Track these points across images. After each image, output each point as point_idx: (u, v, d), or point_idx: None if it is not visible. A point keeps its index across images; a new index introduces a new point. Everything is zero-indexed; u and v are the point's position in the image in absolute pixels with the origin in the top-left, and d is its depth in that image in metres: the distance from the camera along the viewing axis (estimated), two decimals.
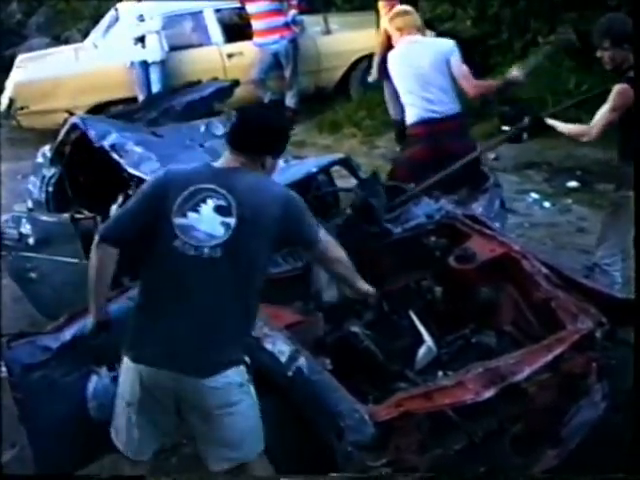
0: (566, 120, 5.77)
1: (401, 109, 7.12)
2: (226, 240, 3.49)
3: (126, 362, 3.64)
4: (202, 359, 3.52)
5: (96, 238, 3.68)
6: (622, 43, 5.32)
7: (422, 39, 6.90)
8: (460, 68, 6.58)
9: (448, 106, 6.54)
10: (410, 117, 6.64)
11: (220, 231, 3.49)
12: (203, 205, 3.51)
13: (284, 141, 3.82)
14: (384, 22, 7.90)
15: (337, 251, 3.88)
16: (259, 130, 3.68)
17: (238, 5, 11.45)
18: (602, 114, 5.34)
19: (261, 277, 3.65)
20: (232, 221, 3.49)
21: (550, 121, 5.71)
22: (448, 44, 6.76)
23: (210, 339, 3.52)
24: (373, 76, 9.30)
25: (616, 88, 5.30)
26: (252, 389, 3.66)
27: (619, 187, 5.59)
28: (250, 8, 11.06)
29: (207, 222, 3.50)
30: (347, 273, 3.99)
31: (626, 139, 5.39)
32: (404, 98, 6.70)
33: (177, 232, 3.50)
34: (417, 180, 5.88)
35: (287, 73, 11.10)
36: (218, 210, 3.51)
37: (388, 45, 7.35)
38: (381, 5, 9.12)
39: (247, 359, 3.64)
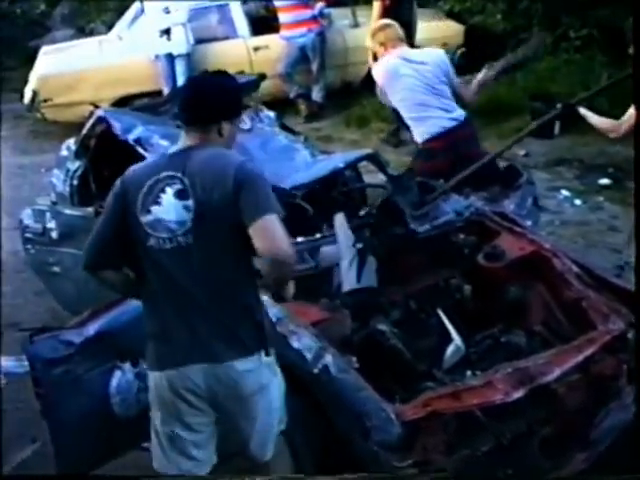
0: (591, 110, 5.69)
1: None
2: (193, 222, 3.37)
3: (153, 377, 3.58)
4: (225, 343, 3.45)
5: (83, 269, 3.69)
6: None
7: (411, 51, 6.84)
8: (455, 77, 6.60)
9: (459, 112, 6.43)
10: (427, 130, 6.40)
11: (185, 215, 3.38)
12: (163, 195, 3.40)
13: (236, 101, 3.68)
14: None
15: (271, 248, 3.29)
16: (206, 94, 3.53)
17: None
18: (631, 112, 5.27)
19: (245, 252, 3.41)
20: (190, 203, 3.38)
21: (582, 110, 5.63)
22: (442, 54, 6.70)
23: (222, 322, 3.46)
24: None
25: None
26: (278, 368, 3.62)
27: None
28: (277, 1, 11.03)
29: (171, 210, 3.39)
30: (277, 279, 3.51)
31: None
32: (413, 112, 6.46)
33: (148, 230, 3.41)
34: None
35: (314, 67, 11.06)
36: (178, 195, 3.39)
37: None
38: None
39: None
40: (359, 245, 4.68)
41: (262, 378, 3.53)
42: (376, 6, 9.22)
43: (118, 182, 3.59)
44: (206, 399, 3.52)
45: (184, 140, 3.55)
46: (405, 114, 6.56)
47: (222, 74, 3.70)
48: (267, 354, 3.52)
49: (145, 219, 3.42)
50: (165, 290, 3.48)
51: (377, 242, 4.93)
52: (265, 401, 3.57)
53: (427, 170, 6.17)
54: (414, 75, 6.42)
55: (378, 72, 6.68)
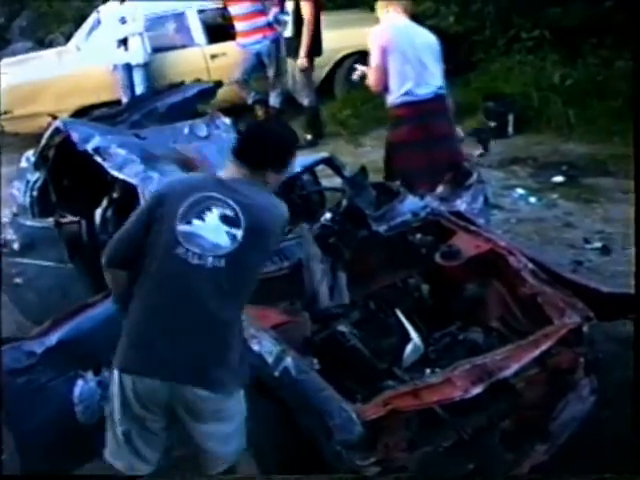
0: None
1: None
2: (231, 251, 3.45)
3: (117, 374, 3.55)
4: (202, 370, 3.47)
5: (103, 262, 3.66)
6: None
7: (413, 23, 6.90)
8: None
9: (435, 87, 6.60)
10: (397, 97, 6.59)
11: (226, 241, 3.45)
12: (208, 213, 3.47)
13: (287, 156, 3.76)
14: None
15: None
16: (263, 144, 3.66)
17: (221, 6, 11.44)
18: None
19: (250, 292, 3.65)
20: (239, 233, 3.46)
21: None
22: (435, 38, 6.85)
23: (211, 350, 3.49)
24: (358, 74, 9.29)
25: None
26: (242, 395, 3.64)
27: None
28: (233, 9, 11.03)
29: (212, 231, 3.46)
30: None
31: None
32: (395, 77, 6.55)
33: (180, 239, 3.45)
34: (412, 161, 6.35)
35: (270, 73, 11.08)
36: (224, 219, 3.47)
37: None
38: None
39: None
40: (328, 261, 4.72)
41: (225, 402, 3.56)
42: None
43: (164, 186, 3.74)
44: (166, 409, 3.54)
45: (231, 171, 3.66)
46: (391, 76, 6.57)
47: (283, 126, 3.89)
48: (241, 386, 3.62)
49: (182, 228, 3.46)
50: (166, 298, 3.48)
51: (343, 247, 4.97)
52: (223, 427, 3.61)
53: (398, 139, 6.63)
54: (415, 43, 6.59)
55: (387, 30, 6.69)
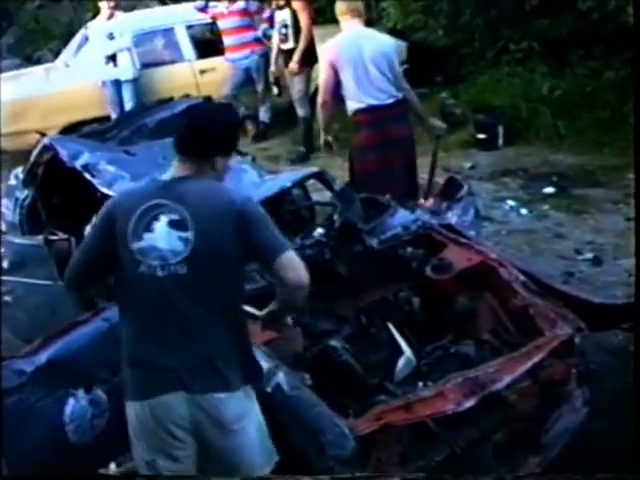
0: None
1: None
2: (188, 255, 3.38)
3: (134, 408, 3.50)
4: (208, 376, 3.44)
5: (64, 283, 3.69)
6: None
7: (366, 30, 7.05)
8: (398, 67, 6.95)
9: (391, 94, 6.72)
10: (355, 104, 6.73)
11: (180, 246, 3.38)
12: (156, 223, 3.39)
13: (234, 138, 3.68)
14: None
15: (300, 277, 3.44)
16: (206, 127, 3.52)
17: (210, 21, 11.46)
18: None
19: (238, 288, 3.59)
20: (189, 235, 3.38)
21: None
22: (390, 41, 7.12)
23: (208, 353, 3.44)
24: None
25: None
26: (254, 395, 3.63)
27: None
28: (221, 24, 11.07)
29: (164, 239, 3.39)
30: (296, 305, 3.66)
31: None
32: (351, 86, 6.68)
33: (139, 257, 3.39)
34: (369, 165, 6.67)
35: (259, 88, 11.13)
36: (173, 225, 3.39)
37: None
38: None
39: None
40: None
41: (240, 406, 3.52)
42: None
43: (105, 206, 3.57)
44: (190, 430, 3.47)
45: (177, 169, 3.53)
46: (346, 87, 6.71)
47: (224, 106, 3.71)
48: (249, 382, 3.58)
49: (136, 245, 3.40)
50: (151, 317, 3.44)
51: (338, 261, 4.97)
52: (249, 429, 3.55)
53: (358, 144, 6.86)
54: (367, 51, 6.67)
55: (336, 44, 6.83)
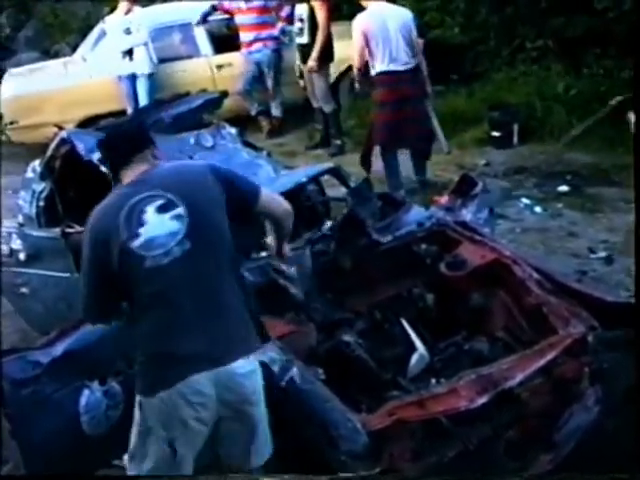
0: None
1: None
2: (186, 228, 3.45)
3: (150, 402, 3.52)
4: (226, 344, 3.51)
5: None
6: None
7: (390, 5, 8.45)
8: (418, 39, 8.43)
9: (411, 62, 8.25)
10: (381, 66, 8.16)
11: (176, 225, 3.45)
12: (144, 215, 3.45)
13: (143, 131, 3.95)
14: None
15: (282, 204, 3.93)
16: (121, 138, 3.80)
17: (227, 16, 11.47)
18: None
19: (231, 248, 3.65)
20: (181, 210, 3.46)
21: (631, 115, 5.59)
22: (410, 14, 8.53)
23: (223, 322, 3.52)
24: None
25: None
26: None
27: None
28: (239, 19, 11.06)
29: (159, 225, 3.45)
30: (286, 230, 4.07)
31: None
32: (379, 51, 8.11)
33: (142, 253, 3.43)
34: (388, 117, 8.20)
35: (269, 83, 11.09)
36: (161, 209, 3.46)
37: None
38: None
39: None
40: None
41: (257, 383, 3.62)
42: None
43: (88, 230, 3.60)
44: (215, 410, 3.52)
45: (129, 176, 3.62)
46: (374, 53, 8.16)
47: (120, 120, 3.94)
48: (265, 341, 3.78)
49: (136, 243, 3.43)
50: (166, 307, 3.48)
51: (342, 254, 4.99)
52: (262, 406, 3.64)
53: (377, 100, 8.38)
54: (391, 24, 8.15)
55: (366, 18, 8.24)
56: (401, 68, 8.19)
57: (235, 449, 3.68)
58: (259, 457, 3.71)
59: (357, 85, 8.79)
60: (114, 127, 3.90)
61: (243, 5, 11.01)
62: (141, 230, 3.44)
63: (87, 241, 3.57)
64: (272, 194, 3.95)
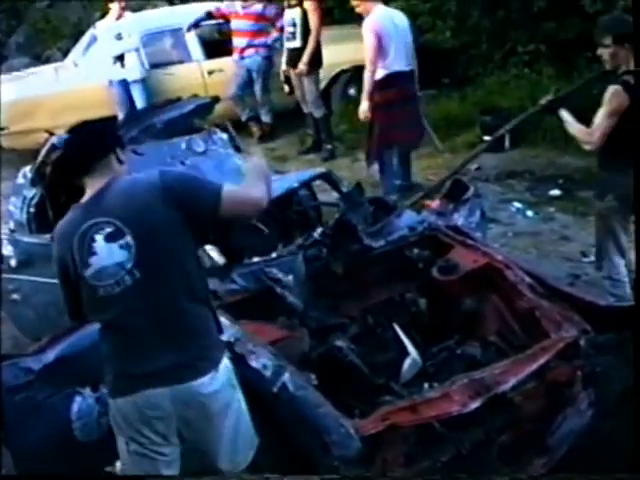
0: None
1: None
2: (134, 258, 3.41)
3: (115, 403, 3.55)
4: (186, 364, 3.47)
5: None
6: (624, 41, 5.26)
7: (391, 9, 8.70)
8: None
9: (409, 64, 8.45)
10: (393, 67, 8.25)
11: (124, 255, 3.41)
12: (94, 244, 3.43)
13: (110, 131, 3.86)
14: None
15: (250, 198, 3.60)
16: (84, 142, 3.66)
17: (218, 21, 11.47)
18: (601, 121, 5.27)
19: (192, 260, 3.57)
20: (128, 239, 3.42)
21: (564, 114, 5.65)
22: (406, 20, 8.62)
23: (182, 343, 3.48)
24: None
25: (609, 90, 5.24)
26: (237, 381, 3.65)
27: (603, 196, 5.55)
28: (234, 24, 11.03)
29: (108, 255, 3.42)
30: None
31: (613, 147, 5.31)
32: (383, 55, 8.17)
33: (94, 283, 3.44)
34: (393, 116, 8.27)
35: (257, 88, 11.07)
36: (109, 238, 3.43)
37: None
38: None
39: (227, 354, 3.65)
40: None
41: (226, 397, 3.57)
42: None
43: (53, 246, 3.64)
44: (174, 425, 3.52)
45: (90, 189, 3.57)
46: (387, 54, 8.19)
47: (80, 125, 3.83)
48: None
49: (87, 273, 3.45)
50: (121, 332, 3.48)
51: (334, 260, 4.98)
52: (231, 417, 3.60)
53: (387, 98, 8.27)
54: (399, 26, 8.36)
55: (378, 19, 8.23)
56: (407, 69, 8.39)
57: (205, 455, 3.67)
58: (240, 457, 3.71)
59: (367, 86, 8.45)
60: (78, 125, 3.79)
61: (240, 10, 10.99)
62: (92, 260, 3.44)
63: (53, 255, 3.63)
64: (236, 189, 3.62)
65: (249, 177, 3.73)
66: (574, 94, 6.26)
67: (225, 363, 3.58)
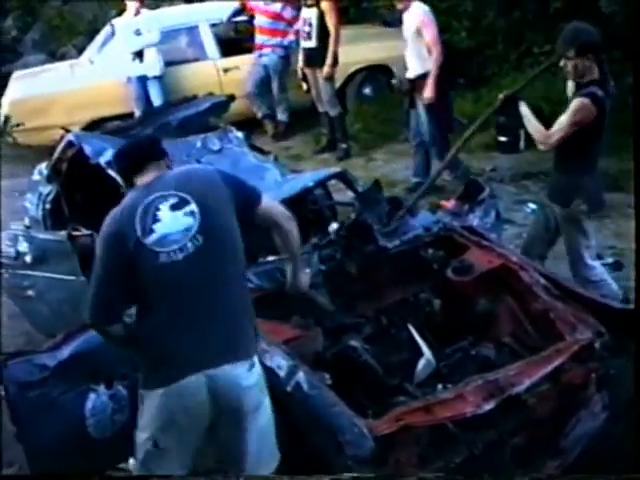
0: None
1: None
2: (199, 225, 3.53)
3: (151, 395, 3.56)
4: (227, 344, 3.53)
5: (88, 322, 3.74)
6: (587, 53, 5.28)
7: None
8: None
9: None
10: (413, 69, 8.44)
11: (189, 221, 3.53)
12: (159, 212, 3.53)
13: (159, 144, 3.95)
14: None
15: (283, 209, 3.96)
16: (139, 147, 3.92)
17: (234, 20, 11.50)
18: (561, 127, 5.31)
19: (241, 247, 3.69)
20: (193, 207, 3.55)
21: (523, 108, 5.68)
22: None
23: (227, 323, 3.54)
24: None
25: (576, 102, 5.26)
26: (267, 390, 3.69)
27: (568, 201, 5.55)
28: (256, 20, 11.06)
29: (173, 223, 3.53)
30: (292, 239, 4.00)
31: (577, 149, 5.37)
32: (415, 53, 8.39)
33: (156, 249, 3.49)
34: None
35: (274, 87, 11.08)
36: (175, 207, 3.55)
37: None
38: None
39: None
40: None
41: (259, 397, 3.60)
42: None
43: (104, 230, 3.65)
44: (206, 419, 3.55)
45: (145, 178, 3.71)
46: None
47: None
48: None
49: (150, 240, 3.50)
50: (172, 304, 3.52)
51: (348, 260, 4.98)
52: (260, 421, 3.61)
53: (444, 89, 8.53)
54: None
55: (420, 11, 8.36)
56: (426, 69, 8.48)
57: (231, 455, 3.70)
58: (263, 467, 3.71)
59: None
60: (130, 142, 3.94)
61: (262, 6, 11.02)
62: (155, 227, 3.52)
63: (103, 239, 3.64)
64: (273, 200, 4.01)
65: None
66: (526, 87, 6.45)
67: (257, 365, 3.62)
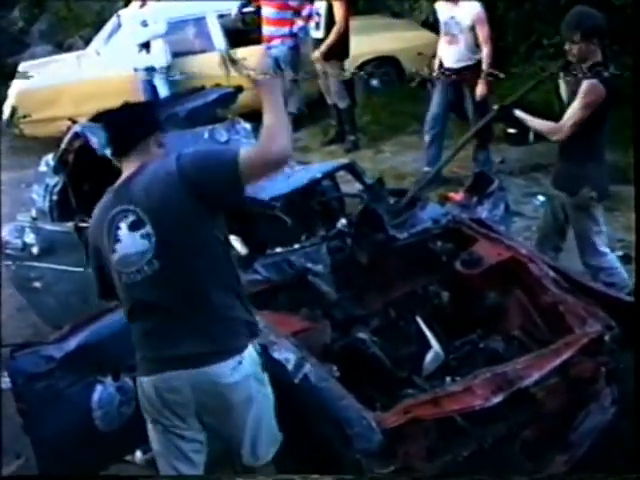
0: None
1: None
2: (155, 248, 3.42)
3: (141, 383, 3.60)
4: (206, 348, 3.46)
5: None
6: (592, 37, 5.30)
7: None
8: None
9: None
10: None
11: (145, 244, 3.43)
12: (119, 232, 3.47)
13: (152, 115, 3.82)
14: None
15: (270, 152, 3.36)
16: (125, 121, 3.65)
17: (242, 11, 11.47)
18: (573, 112, 5.31)
19: (217, 246, 3.52)
20: (148, 229, 3.42)
21: (519, 113, 5.67)
22: None
23: (205, 329, 3.47)
24: None
25: (586, 84, 5.25)
26: (267, 379, 3.62)
27: (575, 189, 5.55)
28: (263, 11, 11.00)
29: (131, 243, 3.45)
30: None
31: (584, 137, 5.37)
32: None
33: (119, 268, 3.49)
34: None
35: (286, 80, 11.04)
36: (132, 227, 3.45)
37: None
38: None
39: (257, 346, 3.59)
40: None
41: (251, 390, 3.54)
42: None
43: (88, 231, 3.74)
44: (193, 411, 3.54)
45: (126, 170, 3.59)
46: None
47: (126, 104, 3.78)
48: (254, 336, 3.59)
49: (114, 258, 3.50)
50: (142, 317, 3.53)
51: (359, 249, 4.96)
52: (255, 411, 3.58)
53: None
54: None
55: (477, 6, 8.46)
56: None
57: (226, 440, 3.69)
58: (262, 451, 3.70)
59: None
60: (122, 105, 3.75)
61: None
62: (117, 246, 3.49)
63: (88, 240, 3.73)
64: (253, 150, 3.45)
65: (265, 130, 3.47)
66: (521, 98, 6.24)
67: (253, 356, 3.54)
